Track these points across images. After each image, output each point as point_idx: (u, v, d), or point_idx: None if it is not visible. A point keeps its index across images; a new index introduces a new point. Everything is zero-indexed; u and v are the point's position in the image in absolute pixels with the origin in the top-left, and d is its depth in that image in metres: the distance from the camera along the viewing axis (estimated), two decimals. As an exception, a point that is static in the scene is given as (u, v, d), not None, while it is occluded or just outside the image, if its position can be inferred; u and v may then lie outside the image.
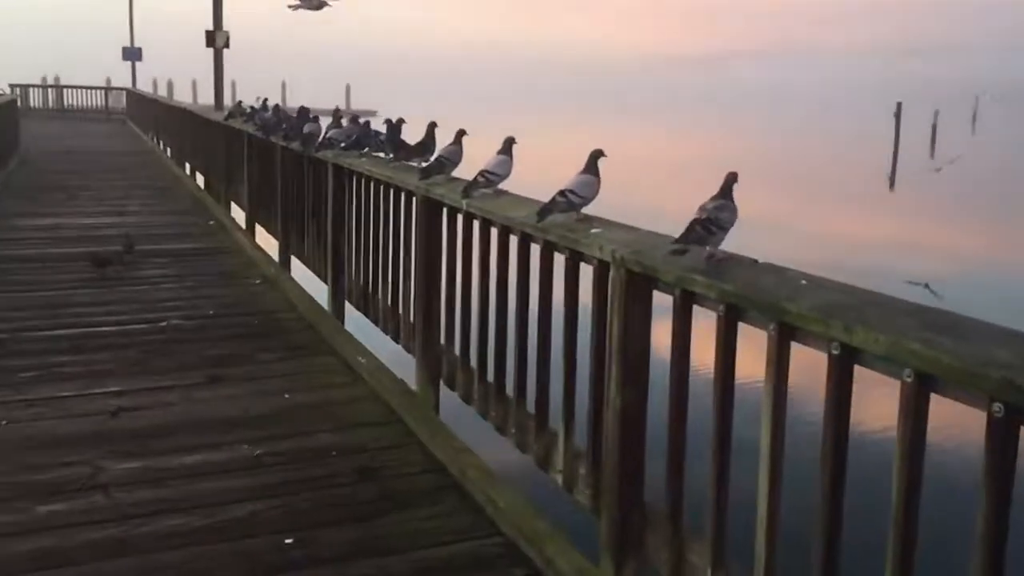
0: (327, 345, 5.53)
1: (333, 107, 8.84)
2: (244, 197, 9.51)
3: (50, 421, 4.26)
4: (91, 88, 35.13)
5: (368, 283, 5.48)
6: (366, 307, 5.53)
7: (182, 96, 42.86)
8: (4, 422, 4.21)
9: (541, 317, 3.40)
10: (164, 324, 6.00)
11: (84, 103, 34.43)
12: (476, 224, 3.96)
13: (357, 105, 44.96)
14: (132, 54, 33.48)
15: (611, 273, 2.82)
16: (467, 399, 4.08)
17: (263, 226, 8.70)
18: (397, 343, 5.04)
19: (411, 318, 4.77)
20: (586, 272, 3.18)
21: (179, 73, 48.43)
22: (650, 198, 19.67)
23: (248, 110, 9.70)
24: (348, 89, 52.65)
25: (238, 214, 10.37)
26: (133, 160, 17.90)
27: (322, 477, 3.75)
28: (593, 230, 3.05)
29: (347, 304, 6.01)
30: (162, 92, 41.64)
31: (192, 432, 4.17)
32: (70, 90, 35.08)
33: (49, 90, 35.77)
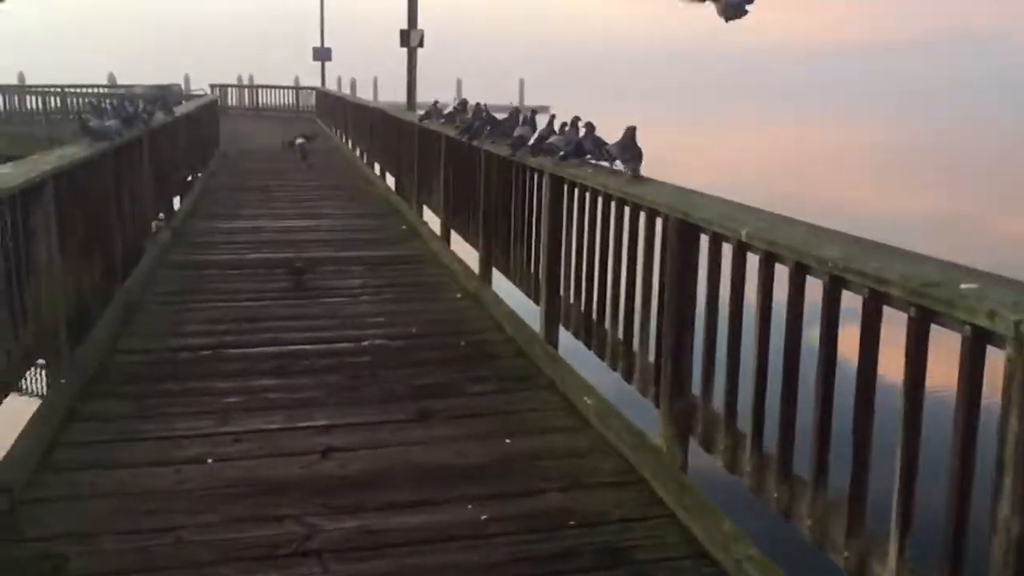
0: (544, 377, 4.96)
1: (507, 103, 8.36)
2: (439, 202, 9.13)
3: (257, 460, 3.88)
4: (282, 87, 36.49)
5: (591, 310, 4.86)
6: (588, 337, 4.92)
7: (363, 94, 44.02)
8: (210, 460, 3.86)
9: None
10: (367, 344, 5.62)
11: (275, 102, 35.80)
12: (754, 256, 3.24)
13: (530, 101, 44.65)
14: (322, 54, 34.54)
15: (1008, 353, 2.06)
16: (732, 468, 3.38)
17: (460, 234, 8.27)
18: (628, 384, 4.40)
19: (649, 358, 4.12)
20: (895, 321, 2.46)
21: (361, 71, 49.82)
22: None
23: (447, 109, 9.33)
24: (522, 84, 51.87)
25: (431, 219, 10.05)
26: (323, 158, 18.13)
27: (559, 556, 3.16)
28: (965, 285, 2.27)
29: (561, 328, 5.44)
30: (345, 90, 42.88)
31: (409, 483, 3.68)
32: (263, 89, 36.57)
33: (244, 89, 37.45)
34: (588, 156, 5.08)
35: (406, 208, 11.12)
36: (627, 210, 4.39)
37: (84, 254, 5.71)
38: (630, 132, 4.69)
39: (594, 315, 4.83)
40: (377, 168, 14.95)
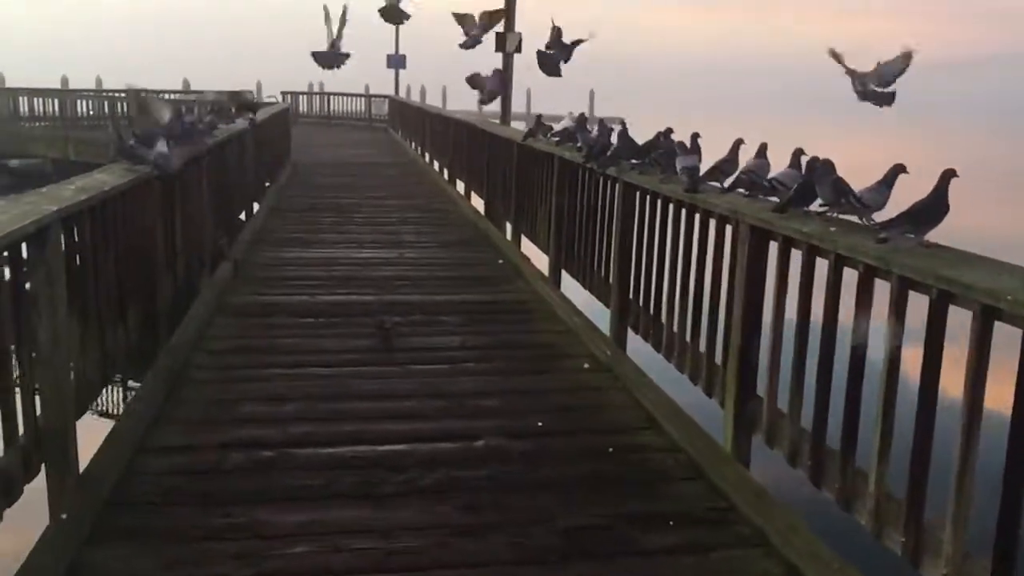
0: (740, 515, 3.43)
1: (577, 114, 7.03)
2: (547, 236, 7.66)
3: None
4: (354, 95, 35.44)
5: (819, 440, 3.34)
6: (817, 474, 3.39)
7: (432, 102, 42.80)
8: None
9: None
10: (481, 444, 4.16)
11: (347, 110, 34.79)
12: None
13: (601, 112, 42.71)
14: (396, 61, 33.36)
15: None
16: None
17: (579, 279, 6.78)
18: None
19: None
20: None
21: (428, 77, 48.52)
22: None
23: (559, 125, 7.87)
24: (592, 95, 49.44)
25: (530, 250, 8.58)
26: (400, 173, 16.84)
27: None
28: None
29: (754, 436, 3.91)
30: (414, 98, 41.61)
31: None
32: (334, 97, 35.57)
33: (315, 97, 36.52)
34: (818, 203, 3.52)
35: (499, 236, 9.67)
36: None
37: (111, 314, 4.36)
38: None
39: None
40: (460, 186, 13.56)
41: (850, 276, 3.14)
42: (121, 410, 6.24)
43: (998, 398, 2.57)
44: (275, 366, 5.22)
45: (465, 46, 8.70)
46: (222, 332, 5.85)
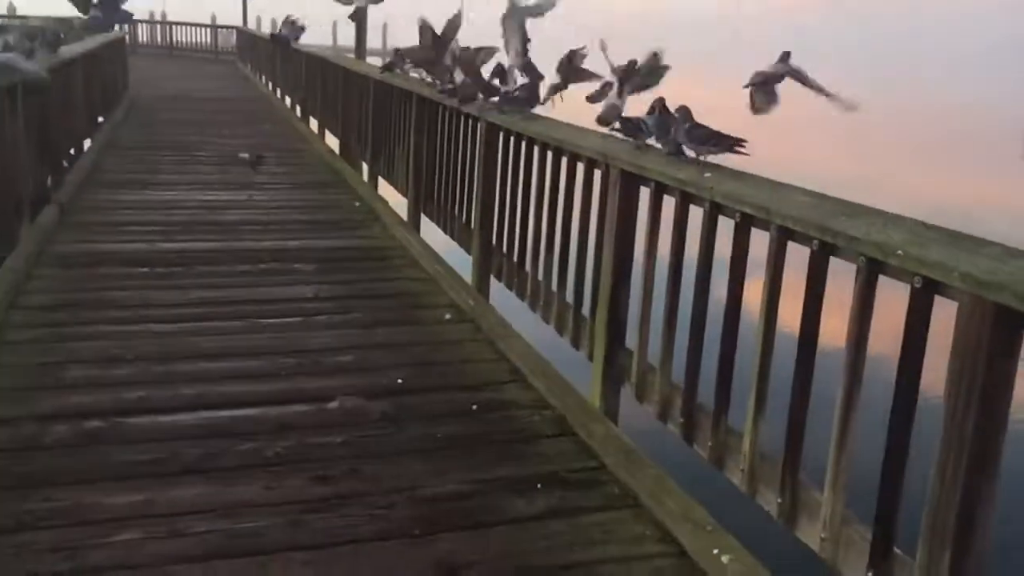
0: (610, 475, 3.29)
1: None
2: (405, 179, 7.31)
3: None
4: (199, 25, 33.39)
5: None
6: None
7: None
8: None
9: None
10: (335, 406, 3.87)
11: (192, 41, 32.79)
12: None
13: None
14: (245, -10, 31.63)
15: None
16: None
17: (439, 224, 6.49)
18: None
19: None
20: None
21: (279, 10, 46.42)
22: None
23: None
24: (385, 29, 44.64)
25: (388, 193, 8.23)
26: (250, 109, 15.95)
27: None
28: None
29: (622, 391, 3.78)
30: (265, 29, 39.44)
31: None
32: (178, 27, 33.43)
33: (156, 26, 34.24)
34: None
35: (355, 178, 9.23)
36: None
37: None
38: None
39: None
40: (314, 124, 12.93)
41: (726, 224, 3.00)
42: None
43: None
44: (105, 322, 4.73)
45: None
46: (44, 286, 5.27)
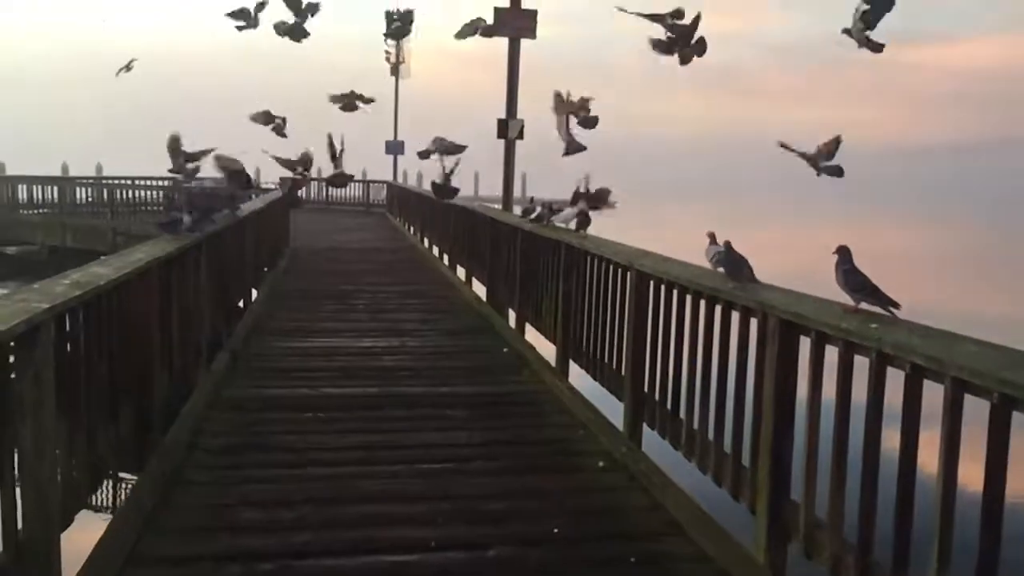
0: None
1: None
2: (554, 325, 7.46)
3: None
4: (352, 181, 35.58)
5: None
6: None
7: (429, 187, 42.75)
8: None
9: None
10: (493, 554, 3.88)
11: (345, 195, 34.90)
12: None
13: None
14: (395, 147, 33.80)
15: None
16: None
17: (588, 370, 6.56)
18: None
19: None
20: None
21: (427, 164, 48.86)
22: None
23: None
24: (524, 179, 44.57)
25: (534, 338, 8.38)
26: (400, 258, 16.75)
27: None
28: None
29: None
30: (411, 182, 41.64)
31: None
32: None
33: (313, 183, 36.63)
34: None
35: (502, 324, 9.48)
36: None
37: (103, 414, 4.14)
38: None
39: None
40: (461, 272, 13.43)
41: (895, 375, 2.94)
42: (111, 503, 5.98)
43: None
44: (274, 466, 4.96)
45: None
46: (219, 428, 5.60)
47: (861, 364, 3.15)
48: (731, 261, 4.29)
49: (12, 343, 3.01)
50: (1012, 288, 25.28)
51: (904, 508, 2.82)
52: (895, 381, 2.94)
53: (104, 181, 27.02)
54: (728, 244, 4.40)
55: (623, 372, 5.65)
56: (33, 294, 3.44)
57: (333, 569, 3.70)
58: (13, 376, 3.04)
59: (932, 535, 2.64)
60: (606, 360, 6.10)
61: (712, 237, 4.72)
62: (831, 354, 3.30)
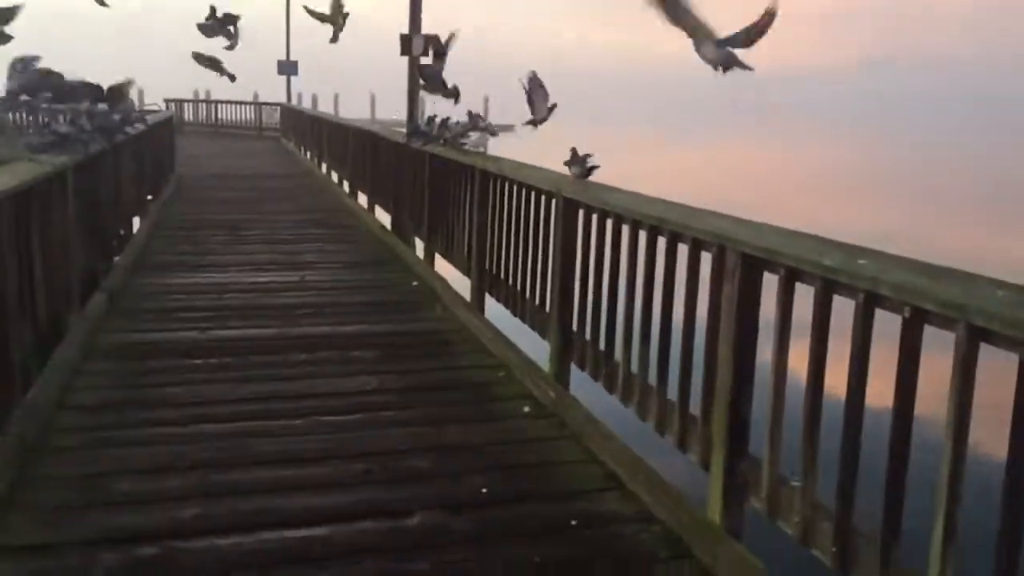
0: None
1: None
2: (468, 257, 6.94)
3: None
4: (243, 103, 33.84)
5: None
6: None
7: (325, 109, 41.50)
8: None
9: None
10: (415, 522, 3.41)
11: (236, 118, 33.20)
12: None
13: (495, 119, 41.04)
14: (288, 68, 32.17)
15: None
16: None
17: (507, 305, 6.08)
18: None
19: None
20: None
21: (321, 87, 47.34)
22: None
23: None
24: (486, 102, 47.39)
25: (445, 270, 7.86)
26: (297, 185, 15.86)
27: None
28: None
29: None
30: (306, 105, 39.98)
31: None
32: (222, 105, 33.86)
33: (200, 105, 34.73)
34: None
35: (409, 254, 8.90)
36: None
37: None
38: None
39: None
40: (363, 200, 12.70)
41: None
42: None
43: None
44: (157, 423, 4.34)
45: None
46: (93, 382, 4.92)
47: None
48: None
49: None
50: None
51: (896, 469, 2.45)
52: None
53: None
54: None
55: (547, 308, 5.19)
56: None
57: (226, 551, 3.15)
58: None
59: (939, 505, 2.27)
60: (527, 296, 5.63)
61: (574, 152, 5.04)
62: (803, 293, 2.89)
